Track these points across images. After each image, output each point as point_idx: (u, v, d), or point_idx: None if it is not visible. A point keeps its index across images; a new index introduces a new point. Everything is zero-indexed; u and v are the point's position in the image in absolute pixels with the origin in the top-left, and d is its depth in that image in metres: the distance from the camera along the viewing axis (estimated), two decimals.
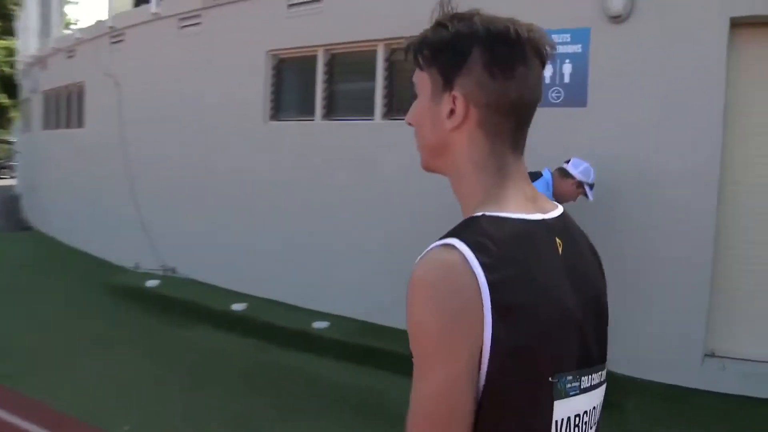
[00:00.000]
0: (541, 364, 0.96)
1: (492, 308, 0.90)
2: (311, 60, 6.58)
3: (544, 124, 4.53)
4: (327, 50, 6.48)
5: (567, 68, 4.92)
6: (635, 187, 4.72)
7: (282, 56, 6.98)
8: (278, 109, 6.98)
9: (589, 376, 1.04)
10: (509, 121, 1.06)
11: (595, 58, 4.85)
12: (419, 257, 0.96)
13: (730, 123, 4.61)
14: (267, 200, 6.83)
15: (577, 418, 1.02)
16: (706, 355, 4.63)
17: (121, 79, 8.89)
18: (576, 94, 4.91)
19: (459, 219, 1.04)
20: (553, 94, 4.94)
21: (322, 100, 6.51)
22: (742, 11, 4.51)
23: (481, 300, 0.90)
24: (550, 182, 4.23)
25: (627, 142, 4.76)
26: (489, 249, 0.93)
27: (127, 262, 8.58)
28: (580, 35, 4.91)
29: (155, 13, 8.39)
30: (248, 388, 4.66)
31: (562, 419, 1.00)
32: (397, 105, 5.88)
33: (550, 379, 0.97)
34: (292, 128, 6.78)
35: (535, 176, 4.15)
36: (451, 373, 0.90)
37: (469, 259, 0.92)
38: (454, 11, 1.07)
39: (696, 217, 4.56)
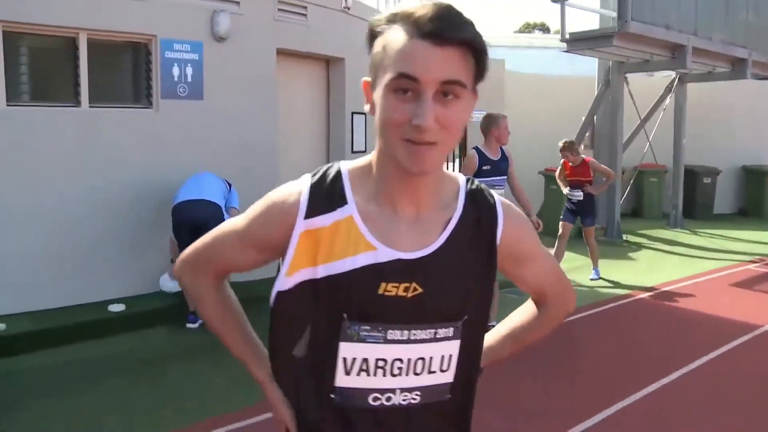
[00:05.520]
0: None
1: None
2: None
3: (176, 111, 6.52)
4: None
5: (189, 71, 6.77)
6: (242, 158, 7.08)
7: None
8: None
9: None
10: None
11: (207, 65, 6.86)
12: (501, 198, 1.35)
13: (279, 115, 7.45)
14: None
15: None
16: None
17: None
18: (196, 91, 6.83)
19: None
20: (180, 89, 6.73)
21: None
22: (284, 45, 7.33)
23: None
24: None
25: (232, 126, 7.03)
26: None
27: None
28: (197, 46, 6.80)
29: None
30: None
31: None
32: None
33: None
34: None
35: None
36: None
37: None
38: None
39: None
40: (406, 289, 1.21)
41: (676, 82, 11.89)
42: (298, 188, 1.27)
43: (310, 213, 1.23)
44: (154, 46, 6.50)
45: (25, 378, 4.85)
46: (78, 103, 6.13)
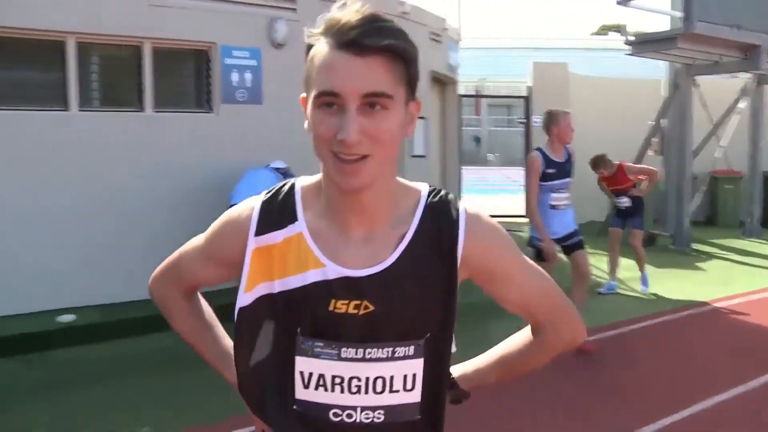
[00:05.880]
0: None
1: None
2: None
3: (235, 116, 6.75)
4: None
5: (248, 76, 7.02)
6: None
7: None
8: None
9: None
10: None
11: (266, 71, 7.09)
12: (468, 209, 1.26)
13: None
14: None
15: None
16: None
17: None
18: (255, 96, 7.08)
19: None
20: (239, 95, 6.99)
21: None
22: None
23: None
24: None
25: (290, 131, 7.22)
26: None
27: None
28: (255, 53, 7.05)
29: None
30: None
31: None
32: None
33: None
34: None
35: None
36: None
37: None
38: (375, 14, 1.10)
39: None
40: (356, 307, 1.19)
41: (752, 84, 11.41)
42: (250, 205, 1.28)
43: (260, 230, 1.24)
44: (214, 53, 6.78)
45: (89, 366, 5.19)
46: (142, 108, 6.47)
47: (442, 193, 1.28)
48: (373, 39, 1.07)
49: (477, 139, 32.33)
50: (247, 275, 1.25)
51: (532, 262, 1.37)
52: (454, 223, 1.24)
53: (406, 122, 1.17)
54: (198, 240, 1.38)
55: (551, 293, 1.37)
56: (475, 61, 19.48)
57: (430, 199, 1.26)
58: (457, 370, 1.45)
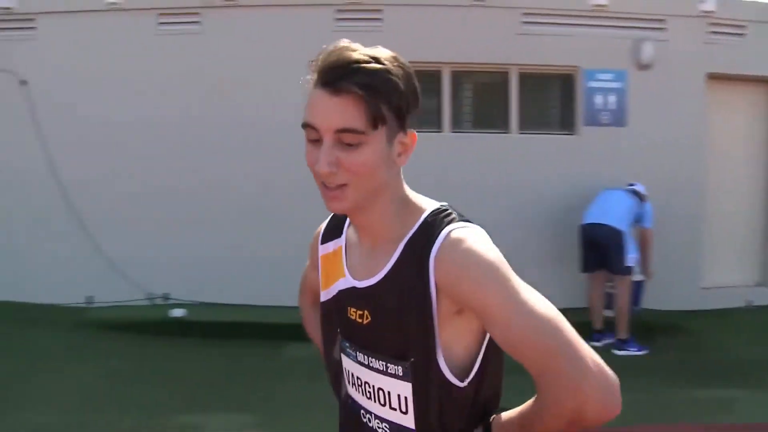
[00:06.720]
0: None
1: None
2: None
3: (598, 138, 6.70)
4: None
5: (612, 99, 6.99)
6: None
7: None
8: None
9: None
10: None
11: (632, 92, 7.00)
12: (453, 232, 1.18)
13: (707, 143, 7.14)
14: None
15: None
16: None
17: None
18: (619, 118, 7.01)
19: None
20: (603, 117, 6.99)
21: None
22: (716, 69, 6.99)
23: None
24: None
25: (655, 154, 6.98)
26: None
27: (63, 299, 6.56)
28: (620, 75, 6.99)
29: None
30: None
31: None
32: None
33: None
34: None
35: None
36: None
37: None
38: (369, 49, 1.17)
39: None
40: (360, 316, 1.28)
41: None
42: (326, 219, 1.46)
43: (323, 241, 1.43)
44: (578, 77, 6.92)
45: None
46: (508, 130, 6.91)
47: (444, 212, 1.25)
48: (345, 81, 1.13)
49: None
50: (321, 276, 1.42)
51: (533, 296, 1.17)
52: (430, 246, 1.20)
53: (396, 152, 1.22)
54: None
55: (544, 339, 1.12)
56: None
57: (425, 218, 1.25)
58: (498, 418, 1.29)
